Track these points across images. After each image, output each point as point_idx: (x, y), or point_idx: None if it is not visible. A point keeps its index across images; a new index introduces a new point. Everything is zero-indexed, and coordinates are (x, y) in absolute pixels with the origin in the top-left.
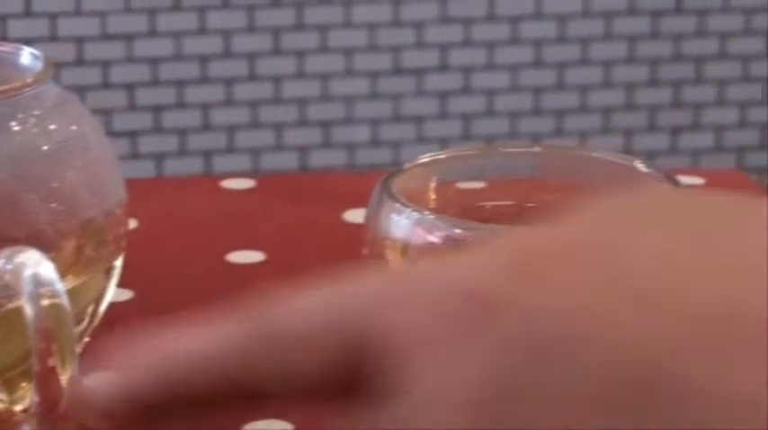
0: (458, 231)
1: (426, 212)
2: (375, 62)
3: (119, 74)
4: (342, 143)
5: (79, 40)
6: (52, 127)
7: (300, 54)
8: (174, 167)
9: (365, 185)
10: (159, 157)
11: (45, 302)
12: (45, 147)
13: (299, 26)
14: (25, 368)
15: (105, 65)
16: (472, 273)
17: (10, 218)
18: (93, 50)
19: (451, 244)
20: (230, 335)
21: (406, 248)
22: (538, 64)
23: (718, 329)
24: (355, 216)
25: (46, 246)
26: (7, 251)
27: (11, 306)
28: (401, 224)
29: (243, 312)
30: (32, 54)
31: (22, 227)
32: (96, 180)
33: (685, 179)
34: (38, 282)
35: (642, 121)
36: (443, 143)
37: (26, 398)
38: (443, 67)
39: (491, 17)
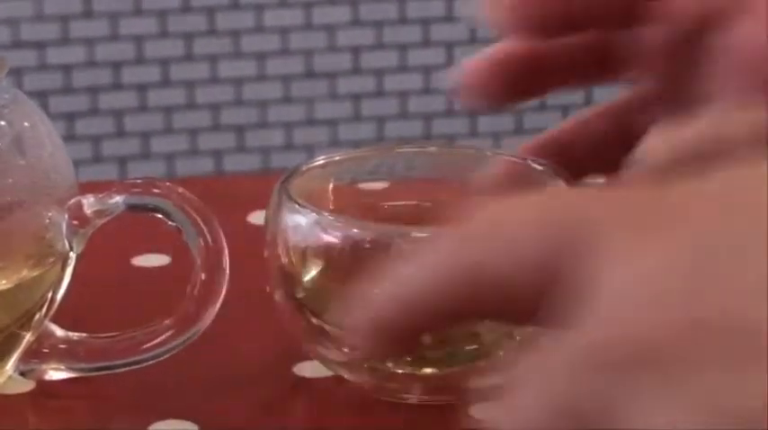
0: (356, 231)
1: (324, 213)
2: (288, 66)
3: (31, 81)
4: (256, 147)
5: None
6: (2, 123)
7: (213, 59)
8: (88, 174)
9: (270, 188)
10: (75, 164)
11: None
12: None
13: (212, 31)
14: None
15: (18, 72)
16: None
17: None
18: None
19: (350, 244)
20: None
21: (304, 249)
22: (450, 65)
23: None
24: (259, 218)
25: (4, 240)
26: None
27: None
28: (299, 225)
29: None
30: None
31: None
32: (50, 172)
33: None
34: None
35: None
36: (357, 146)
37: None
38: (356, 71)
39: (403, 20)
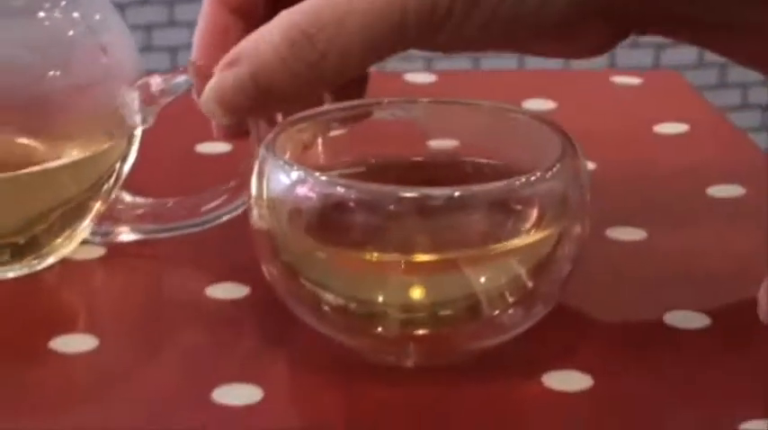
0: (340, 190)
1: (309, 170)
2: None
3: None
4: None
5: None
6: (76, 15)
7: None
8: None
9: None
10: (173, 50)
11: None
12: (71, 33)
13: None
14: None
15: None
16: None
17: (39, 99)
18: None
19: (335, 203)
20: None
21: (291, 209)
22: None
23: None
24: None
25: (75, 121)
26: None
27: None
28: (284, 183)
29: None
30: None
31: (51, 107)
32: (118, 61)
33: (622, 79)
34: None
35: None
36: None
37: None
38: None
39: None
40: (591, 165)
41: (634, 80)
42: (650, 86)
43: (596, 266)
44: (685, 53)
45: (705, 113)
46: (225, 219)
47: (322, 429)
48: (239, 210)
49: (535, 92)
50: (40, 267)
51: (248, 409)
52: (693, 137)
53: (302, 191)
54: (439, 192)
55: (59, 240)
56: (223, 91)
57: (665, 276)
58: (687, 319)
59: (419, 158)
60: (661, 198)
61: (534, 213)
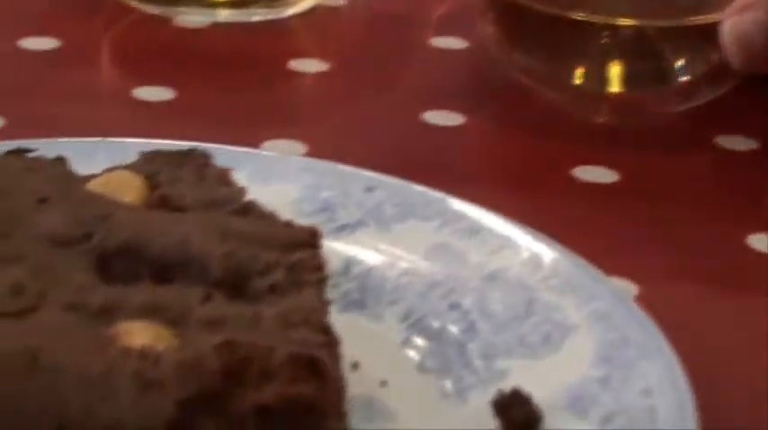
0: None
1: None
2: None
3: None
4: None
5: None
6: None
7: None
8: None
9: None
10: None
11: None
12: None
13: None
14: None
15: None
16: None
17: None
18: None
19: None
20: None
21: None
22: None
23: None
24: None
25: None
26: None
27: None
28: None
29: None
30: None
31: None
32: None
33: None
34: None
35: None
36: None
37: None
38: None
39: None
40: None
41: None
42: None
43: None
44: None
45: None
46: None
47: (508, 167)
48: None
49: None
50: (282, 15)
51: (454, 129)
52: None
53: None
54: None
55: None
56: (742, 33)
57: None
58: None
59: None
60: None
61: None
